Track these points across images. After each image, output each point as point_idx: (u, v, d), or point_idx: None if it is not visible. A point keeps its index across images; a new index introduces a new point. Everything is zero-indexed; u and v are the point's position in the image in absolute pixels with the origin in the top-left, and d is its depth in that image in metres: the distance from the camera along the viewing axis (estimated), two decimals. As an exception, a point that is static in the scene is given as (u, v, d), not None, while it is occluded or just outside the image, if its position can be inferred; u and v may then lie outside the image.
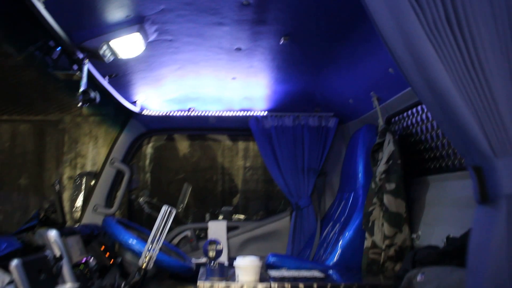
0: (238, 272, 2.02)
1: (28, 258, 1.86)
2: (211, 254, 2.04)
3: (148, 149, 5.34)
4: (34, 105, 5.79)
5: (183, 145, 5.47)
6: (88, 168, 5.60)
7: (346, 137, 3.47)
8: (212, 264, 2.04)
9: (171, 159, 5.66)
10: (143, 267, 2.31)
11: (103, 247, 2.85)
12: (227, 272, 2.09)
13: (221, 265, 2.05)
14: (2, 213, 5.91)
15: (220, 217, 3.98)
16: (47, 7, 1.66)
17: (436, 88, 0.80)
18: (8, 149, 5.94)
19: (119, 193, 3.45)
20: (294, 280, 2.04)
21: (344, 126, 3.51)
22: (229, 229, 3.53)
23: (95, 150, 5.66)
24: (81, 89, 2.12)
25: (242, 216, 4.36)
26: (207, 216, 4.19)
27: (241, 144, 5.80)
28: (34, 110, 5.86)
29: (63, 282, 2.10)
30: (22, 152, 5.98)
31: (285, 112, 3.43)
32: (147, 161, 5.46)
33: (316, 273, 2.25)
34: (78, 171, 5.49)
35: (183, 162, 5.60)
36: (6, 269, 1.71)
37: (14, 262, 1.74)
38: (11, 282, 1.68)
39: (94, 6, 1.83)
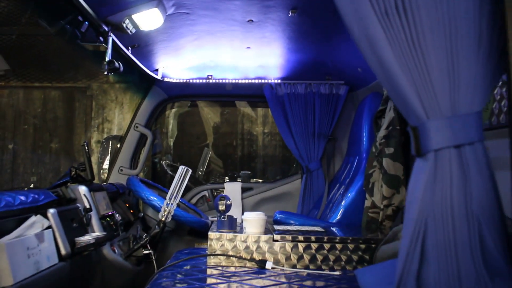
0: (245, 225, 2.26)
1: (62, 208, 2.14)
2: (221, 207, 2.28)
3: (171, 115, 5.58)
4: (63, 73, 6.09)
5: (204, 112, 5.69)
6: (114, 132, 5.90)
7: (355, 104, 3.64)
8: (222, 217, 2.28)
9: (193, 125, 5.89)
10: (162, 220, 2.57)
11: (127, 204, 3.14)
12: (235, 226, 2.33)
13: (231, 218, 2.29)
14: (36, 175, 6.30)
15: (239, 180, 4.22)
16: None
17: (384, 64, 0.99)
18: (40, 114, 6.29)
19: (142, 156, 3.72)
20: (294, 233, 2.27)
21: (354, 94, 3.67)
22: (244, 190, 3.78)
23: (121, 116, 5.96)
24: (107, 59, 2.36)
25: (260, 181, 4.60)
26: (226, 179, 4.44)
27: (260, 111, 6.00)
28: (64, 78, 6.16)
29: (92, 231, 2.39)
30: (53, 117, 6.32)
31: (298, 80, 3.60)
32: (170, 127, 5.70)
33: (318, 229, 2.47)
34: (105, 136, 5.80)
35: (204, 128, 5.83)
36: (45, 216, 1.99)
37: (51, 211, 2.01)
38: (49, 227, 1.96)
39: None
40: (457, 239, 0.94)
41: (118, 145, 3.82)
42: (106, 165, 3.90)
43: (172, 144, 5.77)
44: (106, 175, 3.77)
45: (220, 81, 3.66)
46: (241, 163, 5.83)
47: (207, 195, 3.82)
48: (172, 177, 2.69)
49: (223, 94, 3.88)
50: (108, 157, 3.93)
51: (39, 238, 1.83)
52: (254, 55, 3.23)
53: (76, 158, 6.27)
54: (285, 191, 3.80)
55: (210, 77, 3.63)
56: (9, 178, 6.19)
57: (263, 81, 3.65)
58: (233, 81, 3.66)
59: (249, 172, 5.05)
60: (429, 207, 0.97)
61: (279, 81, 3.64)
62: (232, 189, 3.68)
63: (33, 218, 1.88)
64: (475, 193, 0.94)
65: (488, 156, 0.98)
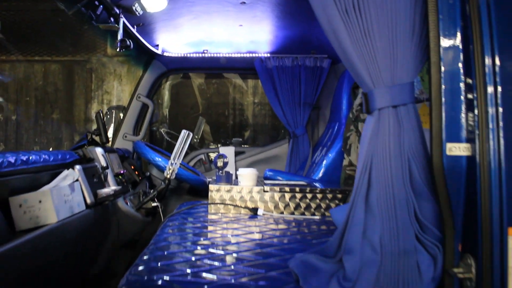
0: (240, 179, 2.67)
1: (85, 165, 2.52)
2: (220, 164, 2.68)
3: (166, 87, 5.92)
4: (62, 47, 6.37)
5: (198, 83, 6.03)
6: (114, 103, 6.24)
7: (337, 75, 4.02)
8: (220, 172, 2.69)
9: (187, 96, 6.22)
10: (168, 177, 2.97)
11: (132, 167, 3.53)
12: (231, 180, 2.74)
13: (227, 173, 2.69)
14: (39, 144, 6.64)
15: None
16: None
17: (343, 48, 1.36)
18: (41, 87, 6.59)
19: (144, 123, 4.09)
20: (282, 185, 2.68)
21: (336, 67, 4.04)
22: (237, 153, 4.19)
23: (119, 88, 6.28)
24: (119, 38, 2.71)
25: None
26: (219, 145, 4.82)
27: (250, 82, 6.34)
28: (63, 51, 6.44)
29: (108, 186, 2.78)
30: (54, 90, 6.62)
31: (285, 54, 3.96)
32: (165, 98, 6.04)
33: (302, 182, 2.89)
34: (105, 107, 6.14)
35: (198, 98, 6.17)
36: (72, 171, 2.37)
37: (78, 167, 2.39)
38: (76, 180, 2.34)
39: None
40: (393, 172, 1.34)
41: (121, 114, 4.18)
42: (110, 132, 4.26)
43: (167, 114, 6.12)
44: (110, 142, 4.14)
45: (215, 55, 4.01)
46: (233, 131, 6.20)
47: (203, 158, 4.22)
48: (169, 144, 3.06)
49: (218, 67, 4.23)
50: (112, 125, 4.30)
51: (72, 188, 2.22)
52: (246, 32, 3.57)
53: (76, 128, 6.61)
54: (274, 154, 4.21)
55: (205, 51, 3.98)
56: (13, 148, 6.52)
57: (254, 55, 4.00)
58: (227, 55, 4.01)
59: (241, 139, 5.45)
60: (374, 149, 1.37)
61: (269, 55, 4.00)
62: (226, 152, 4.08)
63: (66, 172, 2.27)
64: (406, 138, 1.34)
65: (417, 113, 1.38)
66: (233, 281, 1.41)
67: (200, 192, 3.62)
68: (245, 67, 4.16)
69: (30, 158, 2.06)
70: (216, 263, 1.58)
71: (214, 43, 3.85)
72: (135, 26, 3.12)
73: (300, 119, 3.99)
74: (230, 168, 4.00)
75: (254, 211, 2.54)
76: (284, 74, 3.97)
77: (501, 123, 1.21)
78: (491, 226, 1.21)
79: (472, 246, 1.26)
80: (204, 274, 1.46)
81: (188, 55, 3.99)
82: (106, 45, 5.63)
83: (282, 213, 2.59)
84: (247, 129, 6.26)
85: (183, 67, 4.21)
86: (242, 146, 4.94)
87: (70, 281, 2.28)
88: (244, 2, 2.94)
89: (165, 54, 3.93)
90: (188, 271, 1.48)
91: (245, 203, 2.59)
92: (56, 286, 1.89)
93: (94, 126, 3.03)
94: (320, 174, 3.29)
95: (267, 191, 2.60)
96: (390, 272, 1.31)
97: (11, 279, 1.62)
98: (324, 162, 3.31)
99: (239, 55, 4.01)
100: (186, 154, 4.30)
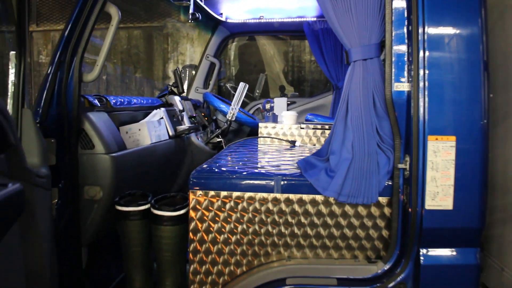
0: (283, 119, 3.46)
1: (167, 108, 3.42)
2: (267, 107, 3.49)
3: (233, 48, 6.72)
4: (143, 15, 7.34)
5: (260, 44, 6.75)
6: (187, 62, 7.18)
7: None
8: (268, 113, 3.50)
9: (251, 55, 6.96)
10: (229, 119, 3.83)
11: (202, 113, 4.42)
12: (277, 120, 3.54)
13: (274, 114, 3.50)
14: (125, 99, 7.74)
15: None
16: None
17: (330, 19, 2.10)
18: (126, 50, 7.64)
19: (212, 78, 4.97)
20: (315, 124, 3.44)
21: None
22: (288, 103, 4.97)
23: (192, 49, 7.20)
24: (190, 11, 3.54)
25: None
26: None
27: (307, 42, 6.99)
28: (143, 19, 7.41)
29: (184, 124, 3.68)
30: (136, 53, 7.64)
31: (329, 18, 4.62)
32: (232, 57, 6.85)
33: (331, 123, 3.64)
34: (180, 66, 7.08)
35: (261, 57, 6.91)
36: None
37: (162, 109, 3.29)
38: (162, 118, 3.25)
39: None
40: (362, 101, 2.06)
41: (194, 72, 5.07)
42: (185, 87, 5.18)
43: (234, 71, 6.95)
44: (185, 94, 5.05)
45: (270, 20, 4.75)
46: (292, 85, 6.91)
47: (261, 107, 5.05)
48: (234, 96, 3.89)
49: (272, 30, 4.98)
50: (186, 81, 5.21)
51: (159, 123, 3.13)
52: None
53: (156, 85, 7.64)
54: (320, 104, 4.96)
55: (262, 17, 4.72)
56: (105, 102, 7.64)
57: (302, 19, 4.70)
58: (279, 20, 4.74)
59: (297, 94, 6.20)
60: (350, 86, 2.10)
61: (315, 19, 4.68)
62: (279, 102, 4.84)
63: (155, 111, 3.18)
64: (371, 80, 2.05)
65: (380, 63, 2.08)
66: (263, 171, 2.23)
67: (256, 133, 4.44)
68: (295, 29, 4.87)
69: (132, 101, 2.98)
70: (258, 167, 2.39)
71: (269, 10, 4.59)
72: (202, 0, 3.94)
73: (341, 74, 4.66)
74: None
75: (292, 143, 3.33)
76: (328, 36, 4.63)
77: (426, 71, 1.91)
78: (418, 135, 1.93)
79: (408, 148, 1.99)
80: (247, 171, 2.28)
81: (247, 21, 4.76)
82: (180, 12, 6.49)
83: (314, 145, 3.37)
84: (304, 84, 6.93)
85: (243, 31, 5.01)
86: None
87: (160, 189, 3.22)
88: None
89: (228, 20, 4.73)
90: (238, 170, 2.30)
91: (286, 137, 3.39)
92: (150, 190, 2.79)
93: (172, 82, 3.91)
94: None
95: (303, 128, 3.38)
96: (359, 166, 2.07)
97: (128, 174, 2.56)
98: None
99: (290, 19, 4.72)
100: (247, 103, 5.14)
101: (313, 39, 4.69)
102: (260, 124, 3.43)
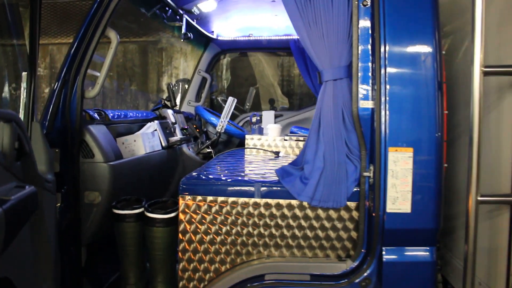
0: (268, 131, 3.73)
1: (160, 121, 3.68)
2: (254, 120, 3.76)
3: (225, 63, 7.00)
4: (138, 30, 7.62)
5: (251, 58, 7.01)
6: (181, 76, 7.46)
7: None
8: (254, 126, 3.77)
9: (242, 70, 7.22)
10: (218, 131, 4.09)
11: (194, 125, 4.68)
12: (262, 132, 3.81)
13: (260, 127, 3.76)
14: (121, 110, 8.01)
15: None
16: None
17: (306, 45, 2.38)
18: (122, 64, 7.91)
19: (204, 92, 5.25)
20: (298, 136, 3.71)
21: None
22: (276, 116, 5.25)
23: (185, 63, 7.48)
24: (183, 31, 3.82)
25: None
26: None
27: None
28: (138, 34, 7.69)
29: (176, 135, 3.94)
30: (131, 66, 7.92)
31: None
32: (224, 72, 7.12)
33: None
34: (173, 79, 7.36)
35: (252, 71, 7.18)
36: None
37: (156, 122, 3.55)
38: (155, 130, 3.51)
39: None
40: (333, 116, 2.34)
41: (186, 85, 5.35)
42: (178, 100, 5.45)
43: (226, 85, 7.22)
44: (177, 107, 5.32)
45: (258, 38, 5.04)
46: (281, 98, 7.16)
47: (249, 119, 5.32)
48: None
49: (260, 47, 5.28)
50: (179, 95, 5.47)
51: (152, 134, 3.39)
52: (282, 20, 4.55)
53: (150, 98, 7.90)
54: (306, 116, 5.23)
55: (251, 35, 5.01)
56: (101, 114, 7.89)
57: (289, 37, 4.99)
58: (268, 37, 5.03)
59: (287, 106, 6.48)
60: (323, 103, 2.38)
61: (301, 37, 4.96)
62: (267, 115, 5.12)
63: (149, 124, 3.44)
64: (340, 97, 2.33)
65: (349, 83, 2.35)
66: (246, 178, 2.48)
67: (244, 144, 4.71)
68: (283, 47, 5.16)
69: (129, 114, 3.24)
70: (242, 175, 2.65)
71: (257, 28, 4.88)
72: (194, 20, 4.22)
73: (325, 89, 4.94)
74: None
75: (276, 154, 3.60)
76: (313, 52, 4.91)
77: (387, 87, 2.18)
78: (380, 147, 2.20)
79: (372, 158, 2.26)
80: (231, 178, 2.54)
81: (237, 38, 5.06)
82: (174, 28, 6.79)
83: (296, 155, 3.63)
84: (293, 97, 7.18)
85: (233, 47, 5.31)
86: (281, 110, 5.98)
87: (153, 195, 3.46)
88: (274, 1, 3.93)
89: (219, 38, 5.03)
90: (223, 178, 2.56)
91: (271, 148, 3.66)
92: (144, 196, 3.03)
93: (165, 95, 4.17)
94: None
95: (286, 140, 3.65)
96: (329, 174, 2.34)
97: (124, 181, 2.82)
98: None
99: (277, 37, 5.01)
100: (237, 116, 5.42)
101: (299, 55, 4.96)
102: (247, 136, 3.70)
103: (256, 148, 3.64)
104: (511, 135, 2.06)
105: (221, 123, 4.06)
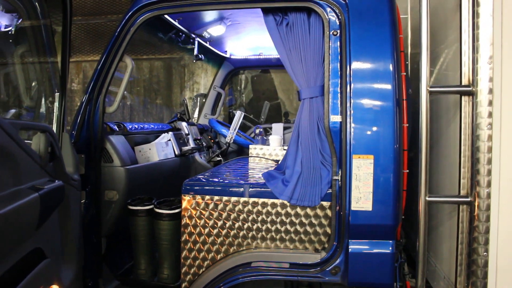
0: (270, 142, 4.18)
1: (175, 132, 4.18)
2: (257, 132, 4.22)
3: (243, 78, 7.51)
4: (163, 48, 8.20)
5: (266, 76, 7.52)
6: (201, 91, 8.00)
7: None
8: (258, 137, 4.22)
9: (260, 84, 7.72)
10: (228, 141, 4.57)
11: (209, 136, 5.18)
12: (265, 143, 4.26)
13: (262, 138, 4.22)
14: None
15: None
16: (179, 22, 3.85)
17: (287, 68, 2.84)
18: (148, 79, 8.51)
19: (219, 106, 5.75)
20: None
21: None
22: (285, 128, 5.69)
23: (206, 79, 8.03)
24: (195, 53, 4.33)
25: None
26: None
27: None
28: (163, 51, 8.28)
29: (189, 145, 4.42)
30: (157, 81, 8.50)
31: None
32: (243, 86, 7.63)
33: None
34: (194, 93, 7.91)
35: (269, 86, 7.66)
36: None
37: (170, 133, 4.05)
38: (169, 140, 4.00)
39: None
40: (309, 129, 2.77)
41: (204, 100, 5.86)
42: (196, 113, 5.97)
43: (244, 99, 7.72)
44: (195, 120, 5.84)
45: (268, 56, 5.52)
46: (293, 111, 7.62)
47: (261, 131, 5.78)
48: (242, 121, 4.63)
49: (271, 65, 5.75)
50: (197, 108, 5.99)
51: (166, 144, 3.88)
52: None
53: (174, 110, 8.46)
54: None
55: (261, 54, 5.50)
56: (129, 125, 8.49)
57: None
58: (276, 56, 5.49)
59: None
60: (301, 117, 2.81)
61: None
62: (277, 127, 5.55)
63: (164, 134, 3.95)
64: (315, 113, 2.75)
65: (323, 101, 2.79)
66: (240, 181, 2.94)
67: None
68: None
69: (145, 126, 3.76)
70: (236, 178, 3.10)
71: (267, 48, 5.36)
72: (207, 42, 4.74)
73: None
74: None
75: (276, 162, 4.03)
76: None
77: (352, 102, 2.61)
78: (346, 154, 2.62)
79: (341, 164, 2.68)
80: (227, 181, 2.99)
81: (249, 57, 5.55)
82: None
83: (294, 163, 4.06)
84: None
85: (245, 65, 5.80)
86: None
87: (167, 196, 3.95)
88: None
89: (232, 57, 5.53)
90: (219, 180, 3.02)
91: (271, 157, 4.10)
92: (158, 196, 3.50)
93: (182, 109, 4.68)
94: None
95: (285, 150, 4.08)
96: (306, 177, 2.77)
97: (138, 183, 3.33)
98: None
99: (286, 56, 5.47)
100: (249, 127, 5.90)
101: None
102: (250, 146, 4.15)
103: (259, 157, 4.09)
104: (458, 142, 2.42)
105: (230, 134, 4.54)
